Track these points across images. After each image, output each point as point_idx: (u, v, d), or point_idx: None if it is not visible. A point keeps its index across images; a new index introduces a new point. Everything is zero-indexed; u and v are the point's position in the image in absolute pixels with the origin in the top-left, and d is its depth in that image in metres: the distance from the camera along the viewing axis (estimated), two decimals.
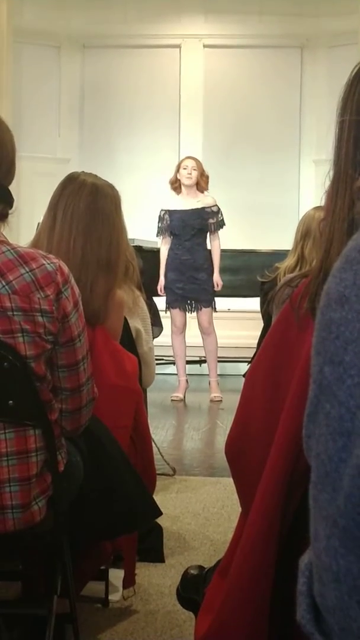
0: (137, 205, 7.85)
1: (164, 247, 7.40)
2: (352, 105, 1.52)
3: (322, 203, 1.61)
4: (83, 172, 2.92)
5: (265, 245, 8.42)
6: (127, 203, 3.30)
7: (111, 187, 2.89)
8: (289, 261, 4.07)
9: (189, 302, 7.37)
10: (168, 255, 7.36)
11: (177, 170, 7.33)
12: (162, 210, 7.37)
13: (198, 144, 9.92)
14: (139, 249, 5.59)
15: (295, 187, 10.08)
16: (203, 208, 7.27)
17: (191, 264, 7.29)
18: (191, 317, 7.55)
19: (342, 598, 0.73)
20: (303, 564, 0.82)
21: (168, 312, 7.30)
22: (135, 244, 5.58)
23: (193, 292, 7.34)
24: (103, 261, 2.79)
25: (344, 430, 0.73)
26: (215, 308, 7.44)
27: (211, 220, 7.30)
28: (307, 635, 0.80)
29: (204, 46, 10.11)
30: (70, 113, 10.24)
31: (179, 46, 10.12)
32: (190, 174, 7.23)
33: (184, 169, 7.26)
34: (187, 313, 7.43)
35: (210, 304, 7.38)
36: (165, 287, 7.35)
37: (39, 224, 2.90)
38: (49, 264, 2.12)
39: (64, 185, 2.83)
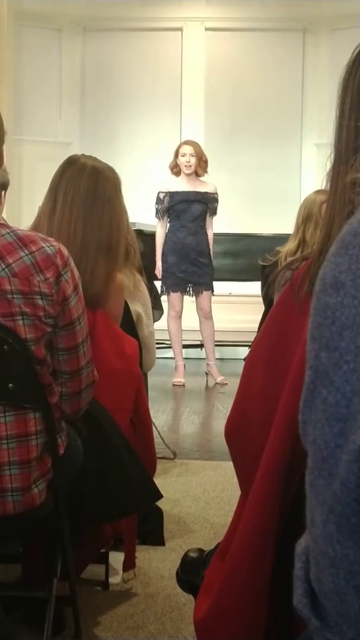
0: (138, 189, 7.84)
1: (161, 230, 7.40)
2: (352, 87, 1.51)
3: (324, 186, 1.61)
4: (83, 154, 2.91)
5: (266, 229, 8.40)
6: (128, 187, 3.29)
7: (111, 170, 2.88)
8: (290, 245, 4.07)
9: (189, 285, 7.38)
10: (168, 238, 7.36)
11: (176, 156, 7.32)
12: (160, 192, 7.36)
13: (199, 128, 9.89)
14: (139, 233, 5.59)
15: (297, 170, 10.06)
16: (206, 192, 7.29)
17: (195, 247, 7.30)
18: (188, 302, 7.54)
19: (339, 583, 0.74)
20: (300, 548, 0.82)
21: (164, 296, 7.27)
22: (136, 228, 5.57)
23: (195, 276, 7.35)
24: (103, 244, 2.79)
25: (340, 416, 0.73)
26: (213, 291, 7.47)
27: (210, 206, 7.32)
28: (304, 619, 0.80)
29: (206, 29, 10.06)
30: (71, 97, 10.20)
31: (180, 29, 10.07)
32: (189, 161, 7.23)
33: (182, 156, 7.26)
34: (185, 297, 7.43)
35: (211, 287, 7.40)
36: (165, 271, 7.34)
37: (40, 207, 2.90)
38: (48, 246, 2.12)
39: (64, 168, 2.82)
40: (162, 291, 7.28)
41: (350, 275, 0.74)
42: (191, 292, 7.41)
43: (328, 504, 0.74)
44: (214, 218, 7.47)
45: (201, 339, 7.69)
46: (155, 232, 7.43)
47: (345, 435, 0.73)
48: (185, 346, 7.71)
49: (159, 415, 5.91)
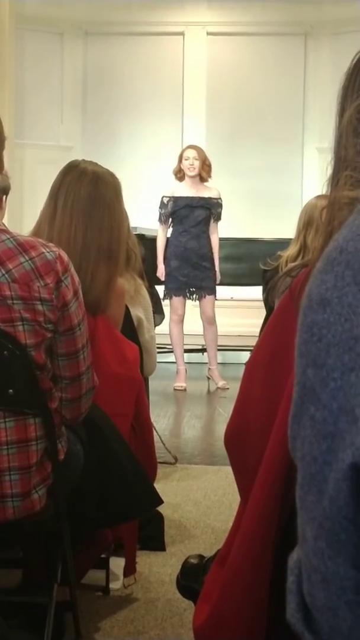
0: (139, 193, 7.85)
1: (162, 234, 7.38)
2: (353, 93, 1.51)
3: (325, 191, 1.60)
4: (83, 160, 2.91)
5: (268, 233, 8.39)
6: (130, 191, 3.29)
7: (112, 175, 2.88)
8: (292, 250, 4.07)
9: (191, 290, 7.38)
10: (170, 242, 7.36)
11: (180, 161, 7.32)
12: (165, 197, 7.35)
13: (201, 132, 9.90)
14: (141, 237, 5.59)
15: (299, 175, 10.06)
16: (210, 198, 7.28)
17: (197, 251, 7.29)
18: (190, 306, 7.53)
19: (331, 598, 0.73)
20: (292, 561, 0.82)
21: (166, 300, 7.26)
22: (137, 232, 5.57)
23: (197, 280, 7.34)
24: (104, 249, 2.79)
25: (328, 433, 0.73)
26: (216, 296, 7.46)
27: (214, 211, 7.32)
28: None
29: (208, 33, 10.06)
30: (73, 100, 10.21)
31: (182, 33, 10.08)
32: (193, 164, 7.22)
33: (186, 159, 7.26)
34: (187, 301, 7.43)
35: (214, 291, 7.39)
36: (167, 275, 7.34)
37: (41, 212, 2.90)
38: (48, 252, 2.12)
39: (65, 173, 2.82)
40: (164, 295, 7.28)
41: (336, 292, 0.74)
42: (194, 296, 7.40)
43: (318, 520, 0.73)
44: (225, 218, 7.45)
45: (203, 343, 7.69)
46: (156, 236, 7.43)
47: (333, 452, 0.73)
48: (186, 350, 7.71)
49: (160, 419, 5.91)
